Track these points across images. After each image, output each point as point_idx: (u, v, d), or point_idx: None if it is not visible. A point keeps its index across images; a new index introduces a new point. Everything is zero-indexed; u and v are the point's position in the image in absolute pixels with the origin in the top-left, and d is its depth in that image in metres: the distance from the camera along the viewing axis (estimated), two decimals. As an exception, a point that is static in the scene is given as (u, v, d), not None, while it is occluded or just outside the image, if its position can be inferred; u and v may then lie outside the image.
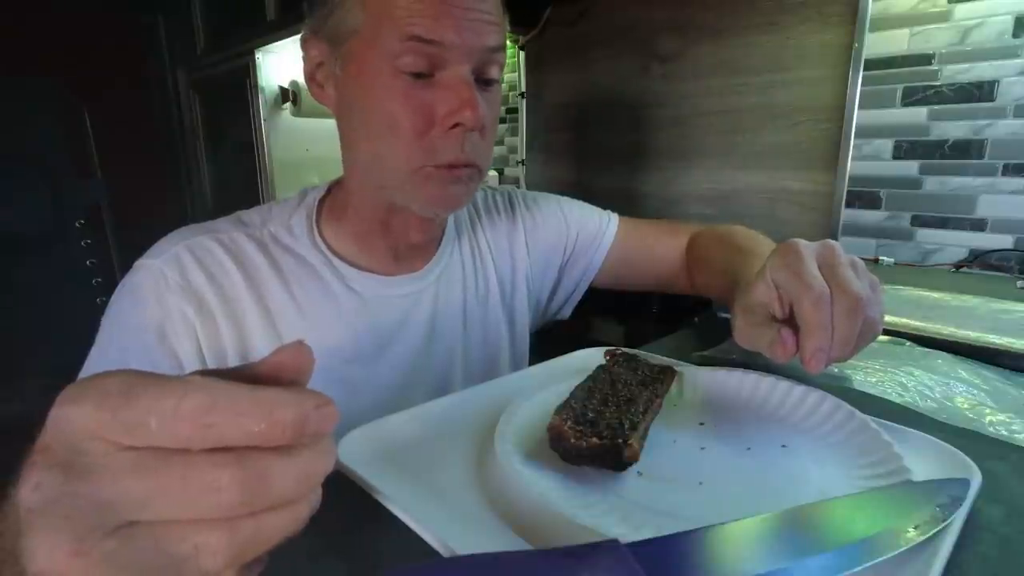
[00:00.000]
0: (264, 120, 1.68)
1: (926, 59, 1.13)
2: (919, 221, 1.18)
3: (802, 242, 0.40)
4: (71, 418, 0.18)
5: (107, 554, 0.17)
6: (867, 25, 1.18)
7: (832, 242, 0.40)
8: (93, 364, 0.51)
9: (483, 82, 0.50)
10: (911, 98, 1.16)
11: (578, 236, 0.73)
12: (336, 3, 0.49)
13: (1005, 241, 1.08)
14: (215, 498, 0.17)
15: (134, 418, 0.17)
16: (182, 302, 0.50)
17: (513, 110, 2.01)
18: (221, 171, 2.14)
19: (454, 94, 0.47)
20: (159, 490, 0.17)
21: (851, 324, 0.36)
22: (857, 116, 1.22)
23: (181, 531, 0.18)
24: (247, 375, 0.20)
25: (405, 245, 0.58)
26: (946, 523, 0.26)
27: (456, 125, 0.48)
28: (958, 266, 1.05)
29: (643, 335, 1.16)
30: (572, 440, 0.31)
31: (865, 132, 1.22)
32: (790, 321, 0.39)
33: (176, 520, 0.18)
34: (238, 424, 0.18)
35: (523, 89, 1.95)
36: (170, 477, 0.17)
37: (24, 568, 0.18)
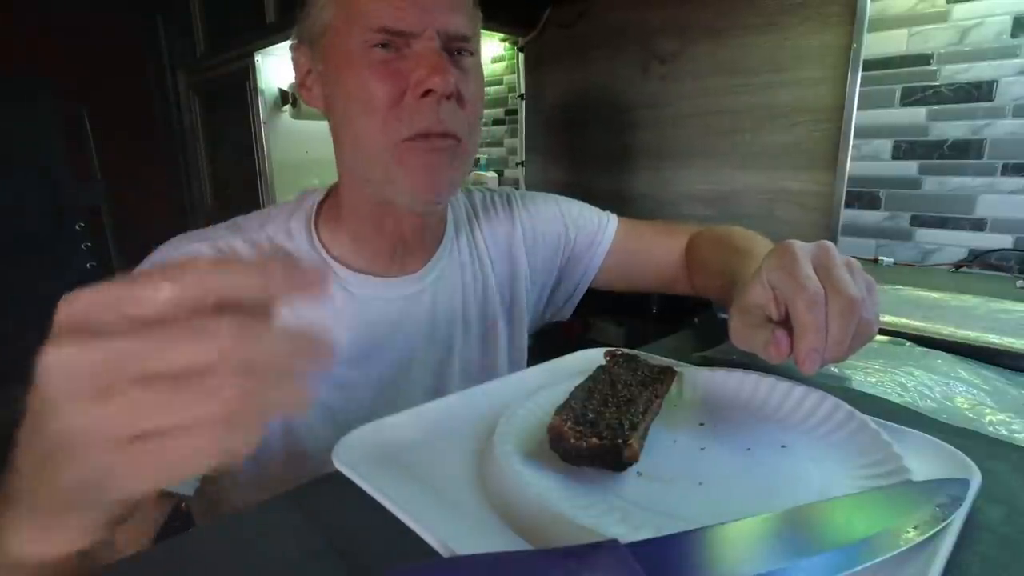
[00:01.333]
0: (264, 122, 1.68)
1: (925, 59, 1.13)
2: (919, 221, 1.19)
3: (798, 243, 0.40)
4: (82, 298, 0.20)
5: (129, 401, 0.19)
6: (866, 25, 1.18)
7: (828, 243, 0.40)
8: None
9: (455, 53, 0.51)
10: (910, 98, 1.16)
11: (577, 237, 0.73)
12: (311, 4, 0.52)
13: (1005, 241, 1.08)
14: (214, 345, 0.19)
15: (143, 288, 0.20)
16: None
17: (512, 111, 2.01)
18: (221, 173, 2.15)
19: (423, 61, 0.48)
20: (169, 341, 0.19)
21: (845, 325, 0.36)
22: (856, 116, 1.22)
23: (185, 395, 0.19)
24: None
25: (402, 244, 0.58)
26: (946, 523, 0.26)
27: (428, 93, 0.48)
28: (958, 266, 1.05)
29: (643, 335, 1.17)
30: (572, 440, 0.31)
31: (864, 132, 1.23)
32: (786, 322, 0.39)
33: (183, 371, 0.19)
34: (234, 281, 0.20)
35: (522, 90, 1.95)
36: (177, 328, 0.19)
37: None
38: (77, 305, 0.20)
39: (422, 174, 0.51)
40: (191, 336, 0.19)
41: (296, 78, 0.56)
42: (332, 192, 0.60)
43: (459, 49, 0.51)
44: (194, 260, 0.20)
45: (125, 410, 0.19)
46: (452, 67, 0.49)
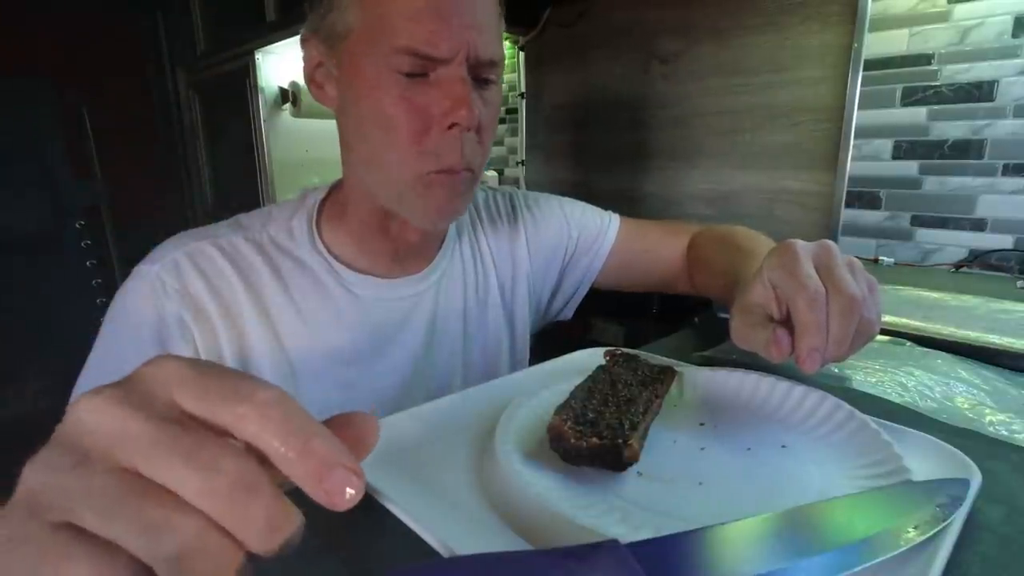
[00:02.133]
0: (264, 121, 1.68)
1: (925, 59, 1.13)
2: (919, 221, 1.19)
3: (799, 242, 0.40)
4: (156, 364, 0.19)
5: (91, 482, 0.17)
6: (867, 25, 1.18)
7: (829, 242, 0.40)
8: (92, 368, 0.51)
9: (481, 82, 0.50)
10: (910, 98, 1.16)
11: (579, 237, 0.73)
12: (333, 2, 0.49)
13: (1005, 241, 1.08)
14: (209, 477, 0.17)
15: (210, 382, 0.19)
16: (180, 308, 0.50)
17: (513, 110, 2.01)
18: (221, 172, 2.15)
19: (448, 93, 0.47)
20: (168, 443, 0.18)
21: (846, 324, 0.36)
22: (857, 116, 1.22)
23: (163, 498, 0.17)
24: None
25: (405, 246, 0.58)
26: (946, 523, 0.26)
27: (452, 125, 0.47)
28: (958, 266, 1.05)
29: (643, 335, 1.17)
30: (572, 440, 0.31)
31: (865, 132, 1.22)
32: (787, 321, 0.39)
33: (166, 478, 0.18)
34: (274, 428, 0.18)
35: (523, 89, 1.95)
36: (186, 437, 0.18)
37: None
38: (165, 369, 0.19)
39: (439, 203, 0.51)
40: (199, 464, 0.17)
41: (305, 69, 0.53)
42: (334, 190, 0.60)
43: (485, 78, 0.50)
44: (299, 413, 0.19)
45: (91, 489, 0.17)
46: (476, 98, 0.48)
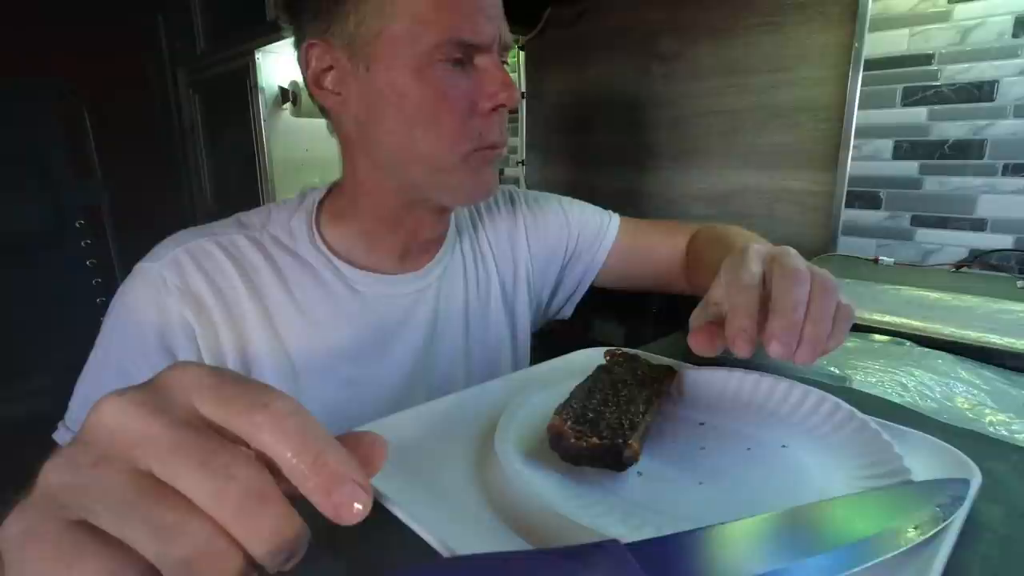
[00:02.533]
0: (264, 120, 1.68)
1: (926, 59, 1.13)
2: (919, 221, 1.18)
3: (758, 245, 0.42)
4: (179, 369, 0.20)
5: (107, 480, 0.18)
6: (867, 25, 1.18)
7: (788, 248, 0.42)
8: (93, 366, 0.51)
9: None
10: (911, 98, 1.16)
11: (579, 236, 0.73)
12: (355, 7, 0.48)
13: (1005, 241, 1.08)
14: (221, 484, 0.17)
15: (233, 390, 0.19)
16: (181, 305, 0.50)
17: (513, 110, 2.01)
18: (221, 171, 2.15)
19: (493, 78, 0.50)
20: (185, 447, 0.18)
21: (789, 288, 0.36)
22: (857, 116, 1.22)
23: (176, 501, 0.18)
24: None
25: (414, 241, 0.59)
26: (946, 523, 0.26)
27: (497, 107, 0.51)
28: (958, 266, 1.05)
29: (643, 335, 1.17)
30: (572, 440, 0.31)
31: (865, 132, 1.22)
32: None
33: (180, 482, 0.18)
34: (288, 439, 0.18)
35: (523, 89, 1.95)
36: (202, 442, 0.18)
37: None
38: (186, 376, 0.19)
39: (486, 178, 0.54)
40: (213, 469, 0.17)
41: (308, 75, 0.52)
42: (334, 190, 0.60)
43: (504, 61, 0.53)
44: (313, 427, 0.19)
45: (108, 489, 0.18)
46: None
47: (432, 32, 0.47)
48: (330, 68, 0.51)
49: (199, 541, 0.17)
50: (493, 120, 0.52)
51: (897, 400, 0.45)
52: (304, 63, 0.52)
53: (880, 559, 0.24)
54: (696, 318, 0.43)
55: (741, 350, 0.36)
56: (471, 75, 0.50)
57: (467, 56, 0.49)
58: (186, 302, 0.50)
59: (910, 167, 1.18)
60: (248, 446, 0.19)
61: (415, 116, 0.50)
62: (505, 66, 0.53)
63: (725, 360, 0.41)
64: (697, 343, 0.39)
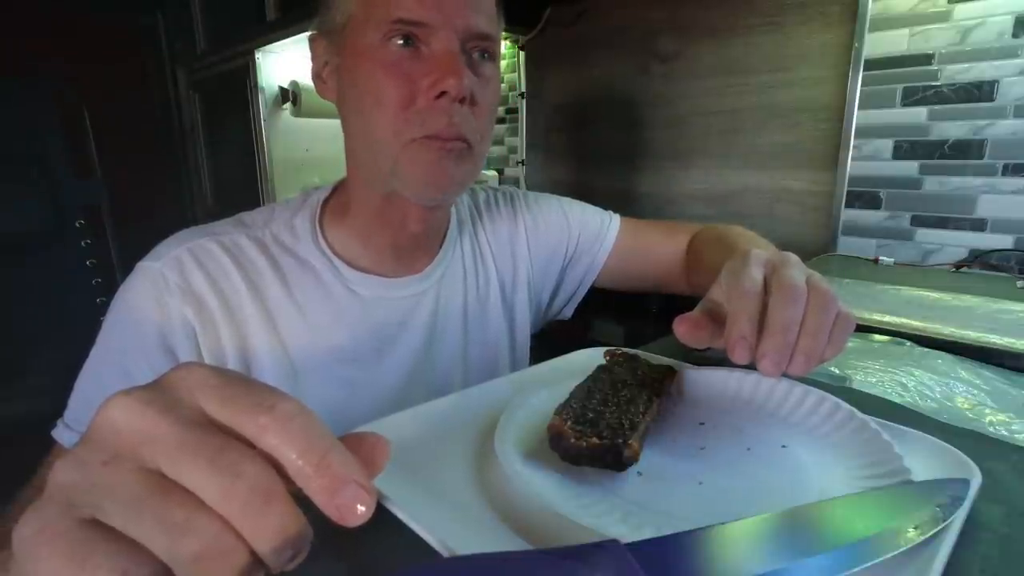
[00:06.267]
0: (264, 120, 1.68)
1: (926, 59, 1.13)
2: (919, 221, 1.18)
3: (759, 251, 0.42)
4: (185, 370, 0.20)
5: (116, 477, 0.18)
6: (867, 25, 1.18)
7: (791, 254, 0.42)
8: (93, 364, 0.51)
9: (476, 57, 0.51)
10: (911, 98, 1.16)
11: (580, 236, 0.73)
12: None
13: (1005, 241, 1.08)
14: (229, 481, 0.18)
15: (236, 390, 0.19)
16: (182, 304, 0.50)
17: (513, 110, 2.01)
18: (221, 171, 2.15)
19: (438, 63, 0.48)
20: (192, 445, 0.18)
21: (788, 312, 0.36)
22: (857, 116, 1.22)
23: (185, 499, 0.18)
24: None
25: (406, 238, 0.58)
26: (946, 523, 0.26)
27: (441, 95, 0.48)
28: (958, 266, 1.05)
29: (643, 335, 1.17)
30: (572, 440, 0.31)
31: (865, 132, 1.22)
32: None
33: (188, 480, 0.18)
34: (293, 441, 0.19)
35: (523, 89, 1.95)
36: (209, 441, 0.18)
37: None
38: (192, 376, 0.20)
39: (428, 171, 0.50)
40: (220, 467, 0.18)
41: (313, 69, 0.56)
42: (338, 190, 0.60)
43: (482, 50, 0.51)
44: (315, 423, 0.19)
45: (117, 487, 0.18)
46: (468, 71, 0.49)
47: (379, 11, 0.48)
48: (326, 62, 0.54)
49: (207, 537, 0.17)
50: (438, 109, 0.48)
51: (897, 400, 0.45)
52: (312, 58, 0.55)
53: (880, 559, 0.24)
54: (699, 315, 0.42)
55: (740, 357, 0.36)
56: (420, 61, 0.48)
57: (421, 39, 0.48)
58: (187, 301, 0.50)
59: (910, 167, 1.18)
60: (253, 447, 0.19)
61: (365, 99, 0.50)
62: (488, 62, 0.52)
63: (725, 360, 0.41)
64: (682, 331, 0.39)
